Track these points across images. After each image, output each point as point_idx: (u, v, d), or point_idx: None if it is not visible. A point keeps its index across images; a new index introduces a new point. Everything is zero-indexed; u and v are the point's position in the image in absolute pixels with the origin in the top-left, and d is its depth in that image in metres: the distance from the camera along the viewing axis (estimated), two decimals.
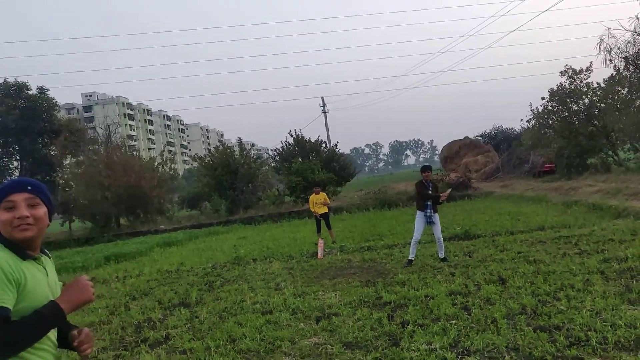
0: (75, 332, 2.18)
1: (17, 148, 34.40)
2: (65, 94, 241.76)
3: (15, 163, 35.37)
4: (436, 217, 9.83)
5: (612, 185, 18.70)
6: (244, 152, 34.20)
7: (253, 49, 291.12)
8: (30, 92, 33.95)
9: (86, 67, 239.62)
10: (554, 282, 7.00)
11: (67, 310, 2.02)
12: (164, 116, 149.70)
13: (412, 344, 5.17)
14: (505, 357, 4.61)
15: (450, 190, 11.11)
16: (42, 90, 34.51)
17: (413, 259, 9.78)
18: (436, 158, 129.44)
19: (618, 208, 14.15)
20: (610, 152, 28.58)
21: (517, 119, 71.72)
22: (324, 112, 52.19)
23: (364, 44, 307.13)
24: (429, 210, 9.74)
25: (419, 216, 9.88)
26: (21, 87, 33.73)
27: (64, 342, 2.22)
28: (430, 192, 9.73)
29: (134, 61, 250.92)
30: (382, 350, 5.14)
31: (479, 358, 4.66)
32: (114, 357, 6.03)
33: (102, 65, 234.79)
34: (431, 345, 5.10)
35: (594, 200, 16.47)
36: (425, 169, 10.05)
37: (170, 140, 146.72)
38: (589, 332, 4.91)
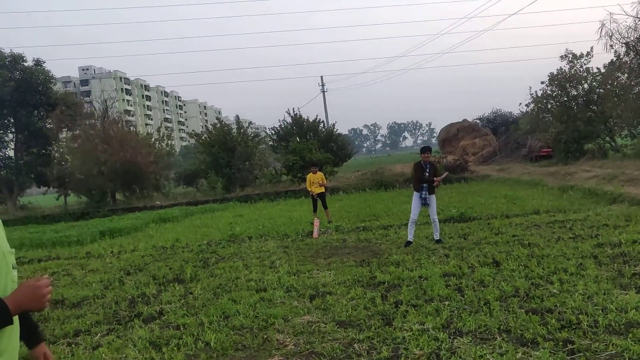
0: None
1: (13, 120, 34.08)
2: (62, 67, 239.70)
3: (11, 135, 35.00)
4: (432, 199, 9.83)
5: (608, 171, 18.70)
6: (242, 130, 34.03)
7: (252, 26, 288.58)
8: (26, 64, 33.51)
9: (83, 40, 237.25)
10: (547, 265, 7.03)
11: (14, 312, 1.87)
12: (161, 92, 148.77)
13: (405, 324, 5.21)
14: (497, 338, 4.64)
15: (446, 174, 11.03)
16: (38, 63, 34.02)
17: (412, 240, 9.80)
18: (434, 140, 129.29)
19: (613, 194, 14.17)
20: (607, 138, 28.55)
21: (515, 102, 71.69)
22: (323, 92, 51.97)
23: (364, 23, 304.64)
24: (424, 192, 9.76)
25: (415, 197, 9.91)
26: (17, 59, 33.22)
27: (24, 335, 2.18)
28: (427, 174, 9.71)
29: (132, 35, 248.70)
30: (375, 329, 5.17)
31: (470, 339, 4.69)
32: (108, 331, 6.06)
33: (99, 39, 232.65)
34: (424, 325, 5.13)
35: (590, 186, 16.49)
36: (425, 150, 10.01)
37: (167, 116, 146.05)
38: (580, 316, 4.95)
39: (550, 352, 4.24)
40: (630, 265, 6.71)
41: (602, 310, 5.06)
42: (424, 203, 9.83)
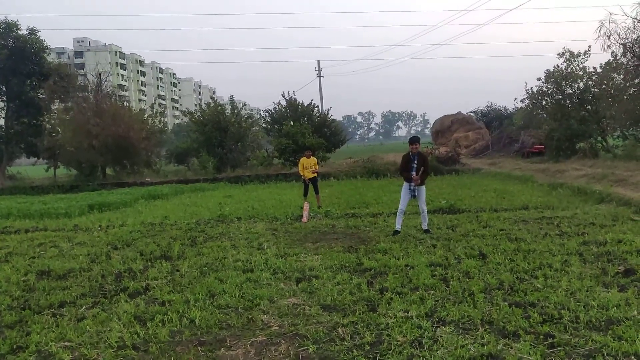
0: None
1: (4, 89, 33.67)
2: (56, 37, 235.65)
3: (2, 104, 34.61)
4: (421, 190, 9.82)
5: (598, 171, 18.83)
6: (235, 111, 33.88)
7: (251, 7, 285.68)
8: (20, 32, 33.02)
9: (79, 11, 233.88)
10: (533, 260, 7.10)
11: None
12: (156, 68, 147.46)
13: (389, 311, 5.25)
14: (479, 329, 4.69)
15: (422, 172, 10.22)
16: (32, 31, 33.52)
17: (399, 229, 9.83)
18: (427, 131, 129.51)
19: (602, 193, 14.28)
20: (599, 138, 28.71)
21: (510, 98, 71.74)
22: (319, 77, 51.81)
23: (364, 9, 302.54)
24: (413, 184, 9.75)
25: (405, 187, 9.93)
26: (11, 27, 32.68)
27: None
28: (414, 166, 9.66)
29: (130, 9, 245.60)
30: (360, 314, 5.21)
31: (453, 328, 4.74)
32: (93, 304, 6.06)
33: (95, 10, 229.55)
34: (408, 313, 5.17)
35: (579, 184, 16.60)
36: (413, 141, 9.80)
37: (161, 93, 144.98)
38: (562, 311, 5.01)
39: (530, 344, 4.30)
40: (614, 264, 6.79)
41: (584, 307, 5.12)
42: (413, 194, 9.83)
